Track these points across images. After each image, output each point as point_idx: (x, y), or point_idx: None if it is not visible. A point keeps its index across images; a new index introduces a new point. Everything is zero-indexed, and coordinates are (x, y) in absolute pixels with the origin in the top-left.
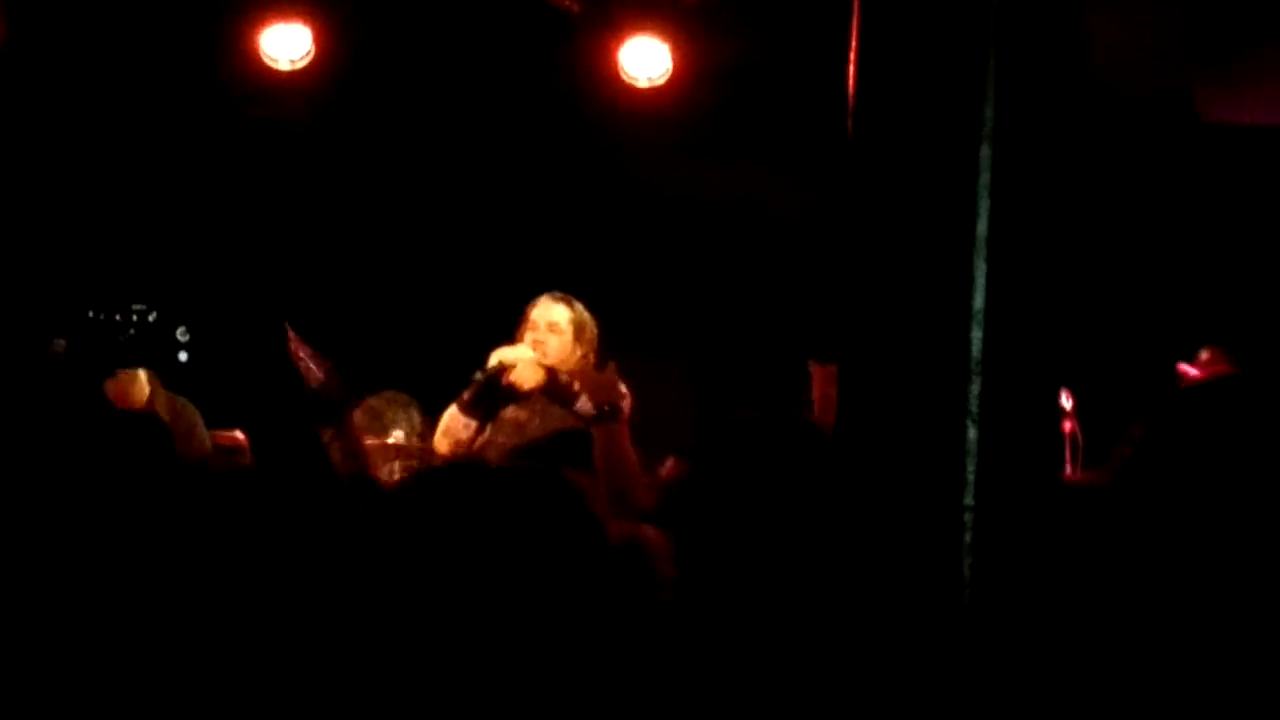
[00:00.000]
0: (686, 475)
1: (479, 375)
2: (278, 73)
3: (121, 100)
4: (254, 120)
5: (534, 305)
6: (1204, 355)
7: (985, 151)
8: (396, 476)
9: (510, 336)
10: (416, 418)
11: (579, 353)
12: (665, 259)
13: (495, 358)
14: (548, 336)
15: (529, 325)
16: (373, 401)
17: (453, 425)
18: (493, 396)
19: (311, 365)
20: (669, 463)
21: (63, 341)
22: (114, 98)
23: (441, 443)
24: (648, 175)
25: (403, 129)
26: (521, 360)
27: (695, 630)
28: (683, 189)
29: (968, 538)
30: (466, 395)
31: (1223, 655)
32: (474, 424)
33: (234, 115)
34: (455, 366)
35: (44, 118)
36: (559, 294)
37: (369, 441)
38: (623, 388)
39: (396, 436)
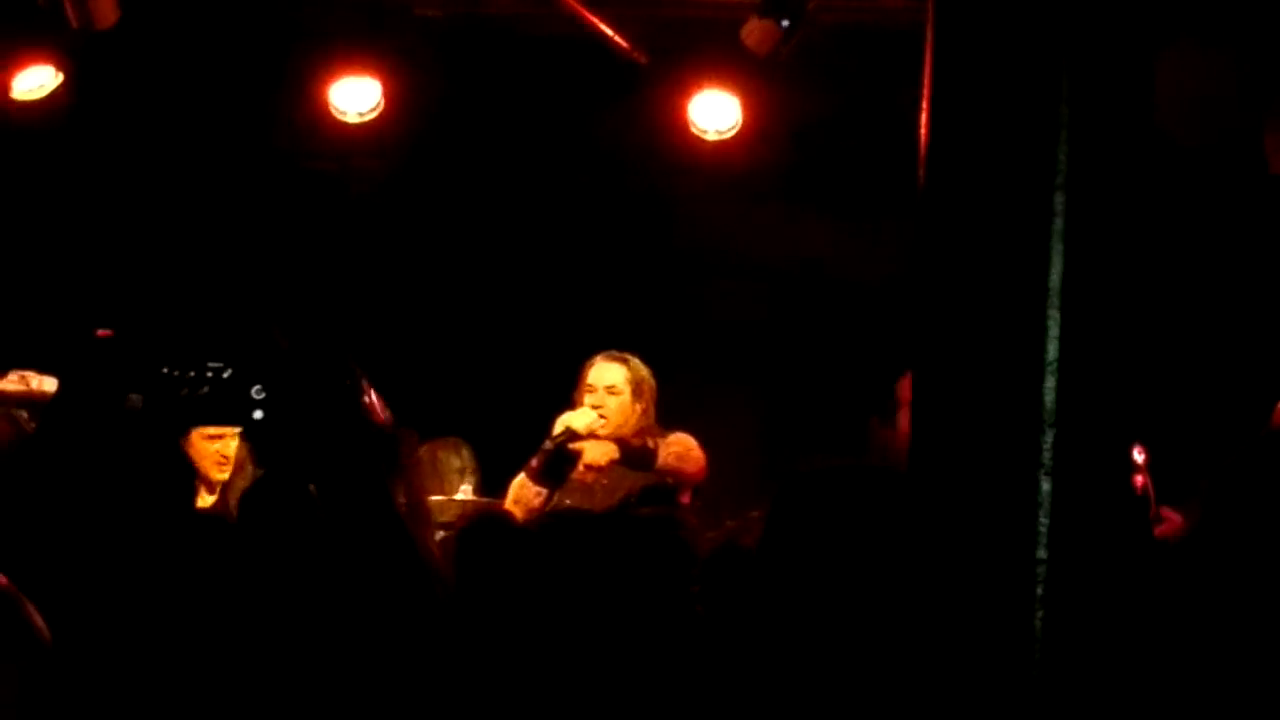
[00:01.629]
0: (769, 524)
1: (548, 444)
2: (347, 125)
3: (192, 152)
4: (322, 173)
5: (590, 366)
6: None
7: (1059, 200)
8: None
9: (569, 391)
10: (471, 464)
11: (639, 409)
12: (731, 315)
13: (561, 424)
14: (606, 399)
15: (586, 388)
16: (429, 451)
17: (524, 494)
18: (561, 463)
19: (377, 406)
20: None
21: (138, 397)
22: (185, 150)
23: (514, 510)
24: (715, 229)
25: (472, 182)
26: (590, 442)
27: (772, 671)
28: (751, 243)
29: (1040, 591)
30: (535, 463)
31: None
32: (545, 491)
33: (302, 168)
34: (519, 416)
35: (116, 171)
36: (614, 353)
37: (434, 498)
38: (694, 451)
39: (465, 491)
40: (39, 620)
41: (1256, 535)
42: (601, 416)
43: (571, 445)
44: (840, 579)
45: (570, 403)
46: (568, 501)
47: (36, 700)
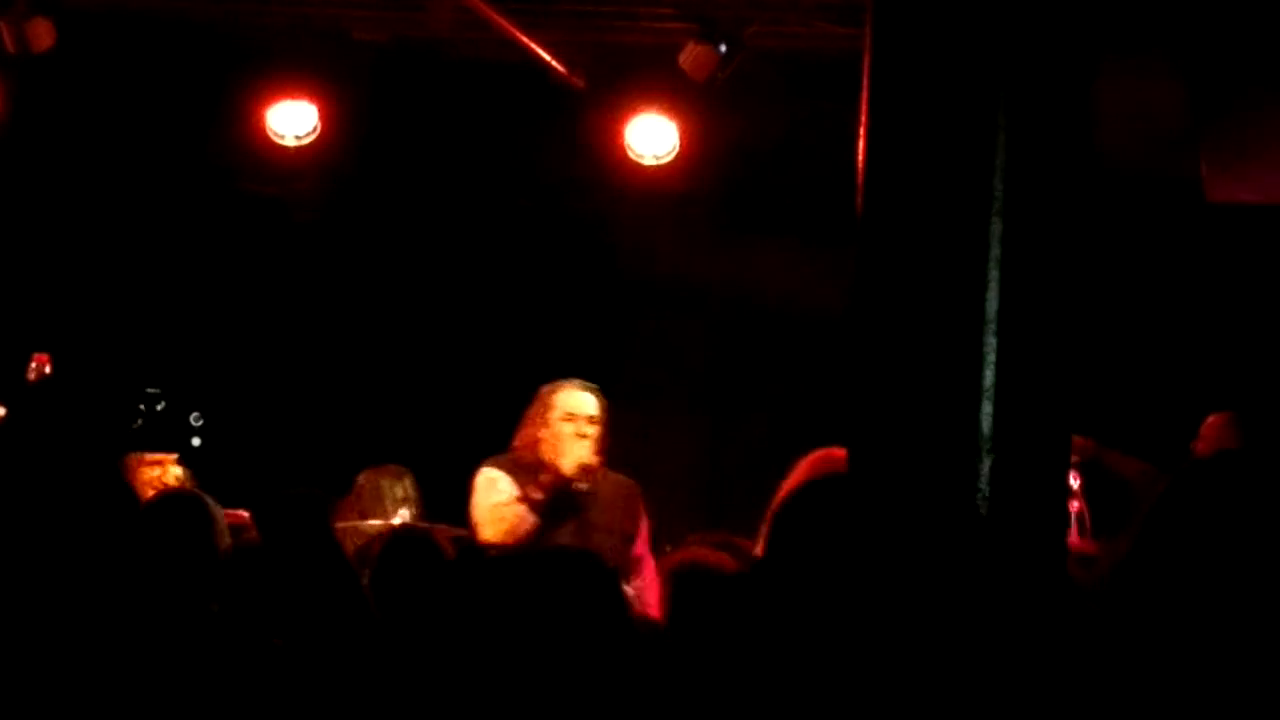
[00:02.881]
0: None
1: (546, 478)
2: (284, 149)
3: (129, 176)
4: (260, 196)
5: (558, 393)
6: (1211, 419)
7: (996, 227)
8: None
9: (511, 417)
10: (413, 493)
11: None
12: (670, 340)
13: (573, 465)
14: (588, 428)
15: (563, 416)
16: (370, 478)
17: (519, 526)
18: (566, 500)
19: None
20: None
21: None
22: (123, 174)
23: (491, 531)
24: (653, 254)
25: (409, 207)
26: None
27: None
28: (689, 268)
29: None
30: (540, 496)
31: None
32: (538, 523)
33: (240, 191)
34: (459, 442)
35: (49, 196)
36: (583, 382)
37: (371, 522)
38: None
39: (403, 516)
40: None
41: (1183, 569)
42: (592, 446)
43: (575, 486)
44: (848, 595)
45: (519, 425)
46: (565, 538)
47: None
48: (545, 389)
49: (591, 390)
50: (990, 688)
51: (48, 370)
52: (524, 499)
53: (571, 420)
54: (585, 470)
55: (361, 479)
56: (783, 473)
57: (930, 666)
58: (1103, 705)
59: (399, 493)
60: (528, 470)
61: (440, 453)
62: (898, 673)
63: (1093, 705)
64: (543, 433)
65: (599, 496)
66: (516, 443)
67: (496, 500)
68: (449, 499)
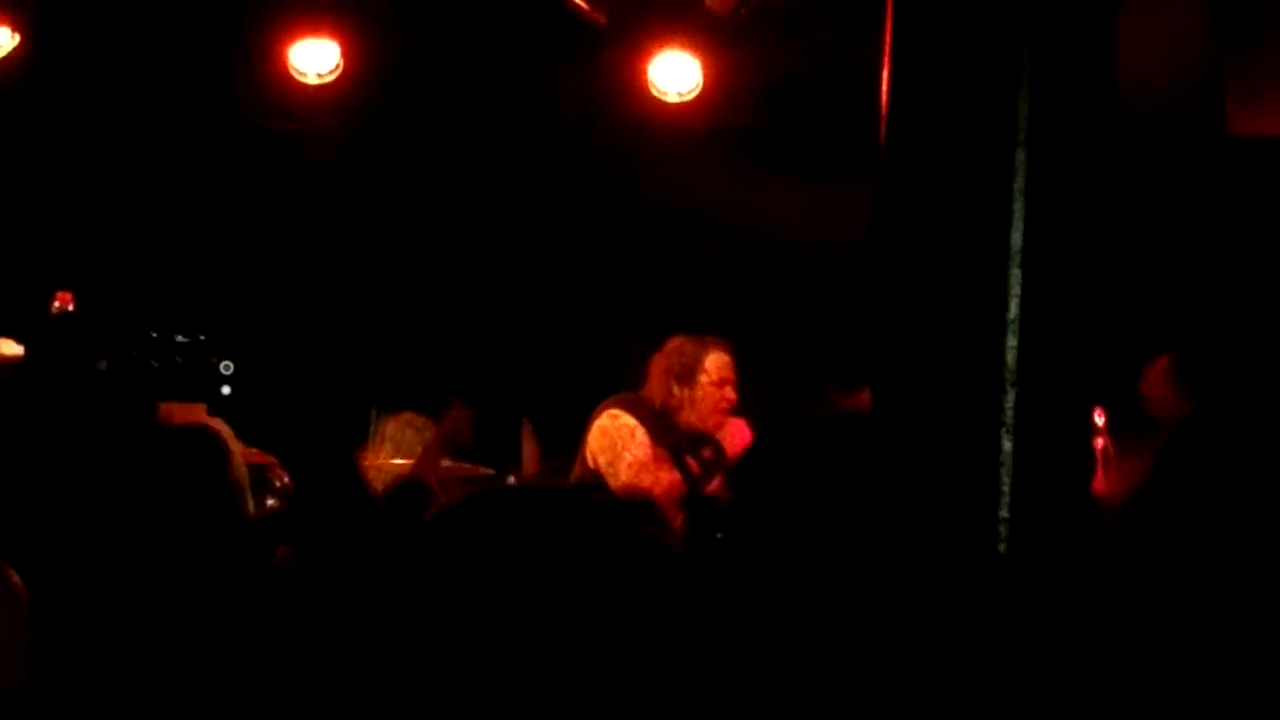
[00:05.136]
0: (742, 476)
1: (709, 453)
2: (306, 87)
3: (149, 115)
4: (283, 134)
5: (709, 355)
6: (1155, 363)
7: (1020, 156)
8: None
9: (537, 353)
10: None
11: None
12: (694, 277)
13: (718, 426)
14: (734, 394)
15: (716, 380)
16: (395, 425)
17: (670, 486)
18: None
19: None
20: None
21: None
22: (141, 113)
23: (634, 479)
24: (677, 191)
25: (430, 143)
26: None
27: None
28: (713, 205)
29: (1002, 549)
30: (698, 471)
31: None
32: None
33: (263, 129)
34: (483, 385)
35: (75, 133)
36: (723, 340)
37: (398, 461)
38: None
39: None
40: (16, 579)
41: (1195, 507)
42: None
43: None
44: (816, 533)
45: (649, 374)
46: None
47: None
48: (689, 346)
49: (729, 350)
50: (1006, 626)
51: (70, 309)
52: (680, 464)
53: (722, 386)
54: (719, 429)
55: (387, 426)
56: (802, 406)
57: (952, 601)
58: (1121, 638)
59: (416, 437)
60: (662, 425)
61: (473, 391)
62: (911, 604)
63: (1110, 638)
64: (689, 394)
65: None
66: (651, 393)
67: (638, 454)
68: (477, 440)
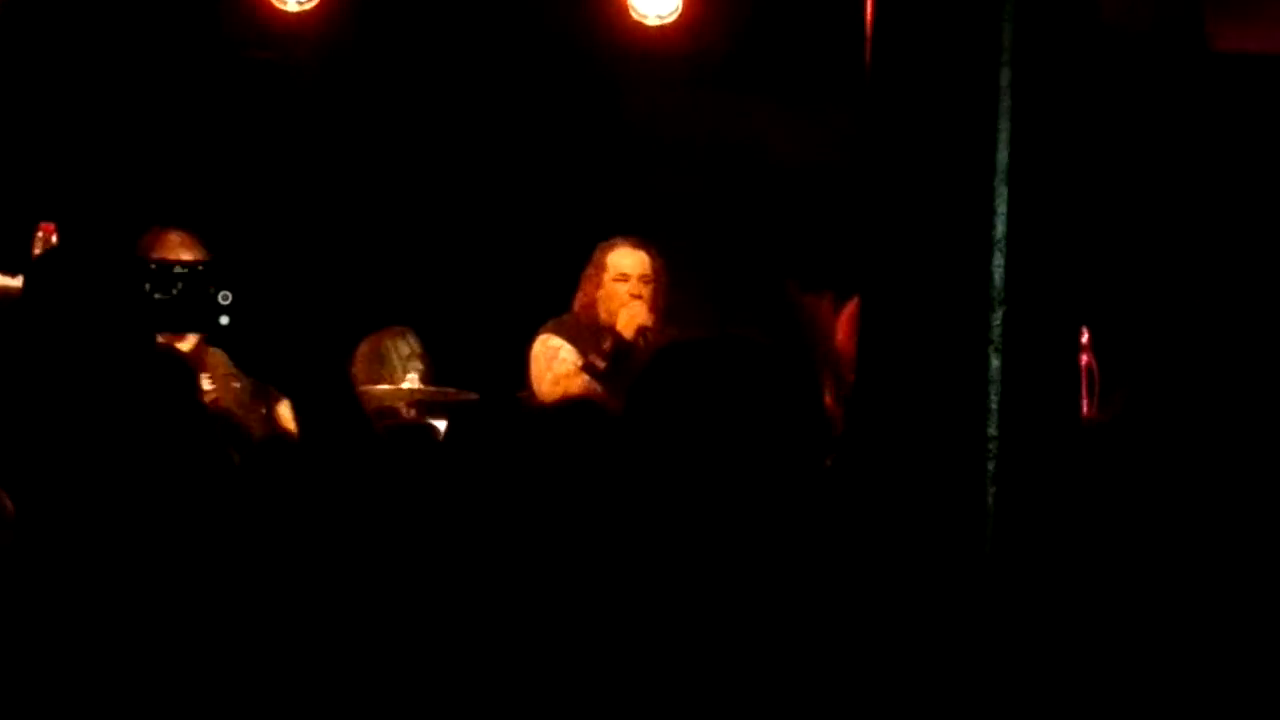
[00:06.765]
0: (633, 398)
1: (607, 344)
2: (285, 14)
3: (131, 42)
4: (261, 63)
5: (610, 252)
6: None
7: (1005, 76)
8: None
9: (522, 277)
10: (418, 349)
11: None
12: (676, 202)
13: (630, 326)
14: (642, 288)
15: (616, 276)
16: (371, 342)
17: (581, 394)
18: (627, 364)
19: None
20: None
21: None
22: (123, 40)
23: (554, 391)
24: (658, 116)
25: (411, 69)
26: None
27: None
28: (694, 129)
29: (991, 467)
30: (602, 364)
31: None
32: (603, 391)
33: (239, 58)
34: (466, 303)
35: (55, 61)
36: (636, 239)
37: (381, 388)
38: None
39: (412, 377)
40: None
41: (1179, 425)
42: (650, 306)
43: (635, 349)
44: (708, 454)
45: (578, 286)
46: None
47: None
48: (599, 248)
49: (644, 247)
50: (1006, 537)
51: (54, 240)
52: (587, 366)
53: (624, 280)
54: (641, 331)
55: (362, 346)
56: (786, 328)
57: (941, 518)
58: (1110, 557)
59: (404, 350)
60: (589, 334)
61: (455, 316)
62: (891, 521)
63: (1100, 557)
64: (598, 294)
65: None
66: (575, 305)
67: (559, 370)
68: (454, 360)
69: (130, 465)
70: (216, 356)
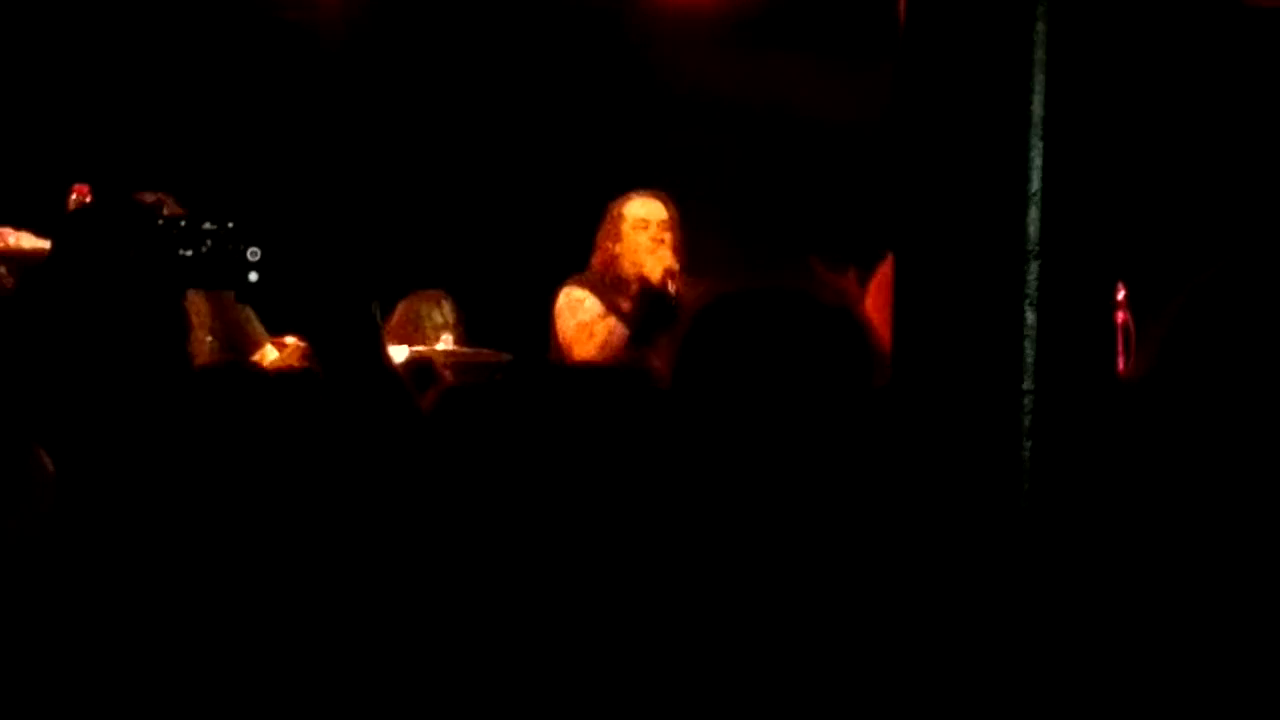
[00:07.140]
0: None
1: (634, 288)
2: None
3: (158, 5)
4: (289, 24)
5: (626, 203)
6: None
7: (1040, 29)
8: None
9: (552, 235)
10: (452, 318)
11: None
12: (705, 158)
13: (658, 271)
14: (663, 234)
15: (634, 225)
16: (409, 305)
17: (608, 338)
18: (656, 309)
19: None
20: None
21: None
22: (150, 2)
23: (581, 349)
24: (688, 70)
25: (438, 29)
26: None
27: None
28: (724, 86)
29: (1027, 422)
30: (629, 307)
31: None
32: (628, 334)
33: (270, 19)
34: (499, 266)
35: (86, 23)
36: (650, 189)
37: (416, 349)
38: None
39: (445, 341)
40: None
41: (1209, 378)
42: (670, 253)
43: (664, 292)
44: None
45: (594, 244)
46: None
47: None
48: (613, 202)
49: (659, 196)
50: (1042, 492)
51: (88, 201)
52: (612, 311)
53: (644, 227)
54: (670, 275)
55: (400, 306)
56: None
57: (977, 473)
58: (1143, 511)
59: (438, 318)
60: (611, 287)
61: (484, 276)
62: (925, 474)
63: (1134, 512)
64: (618, 247)
65: (687, 303)
66: (595, 262)
67: (583, 318)
68: (489, 324)
69: (159, 420)
70: (247, 313)
